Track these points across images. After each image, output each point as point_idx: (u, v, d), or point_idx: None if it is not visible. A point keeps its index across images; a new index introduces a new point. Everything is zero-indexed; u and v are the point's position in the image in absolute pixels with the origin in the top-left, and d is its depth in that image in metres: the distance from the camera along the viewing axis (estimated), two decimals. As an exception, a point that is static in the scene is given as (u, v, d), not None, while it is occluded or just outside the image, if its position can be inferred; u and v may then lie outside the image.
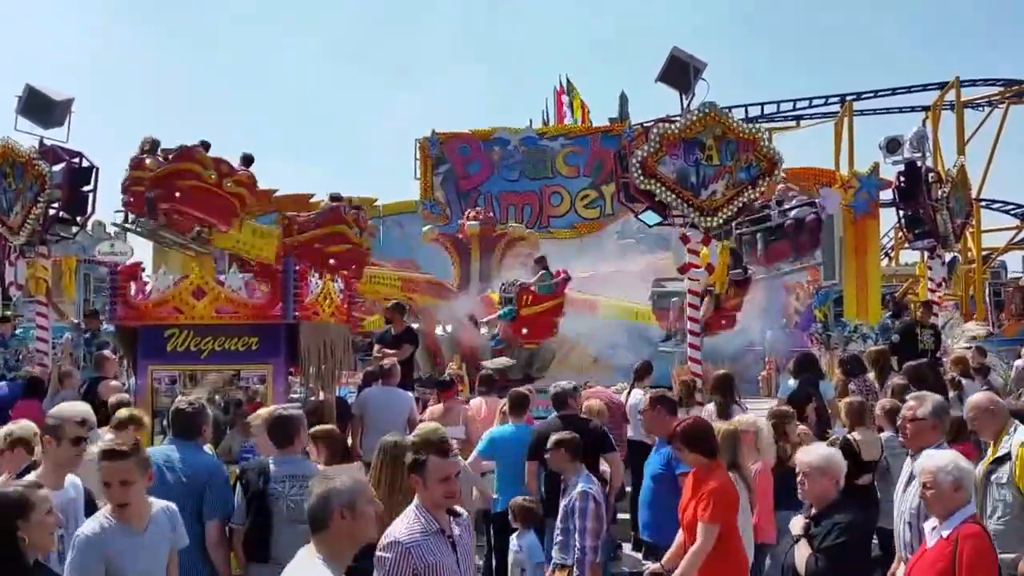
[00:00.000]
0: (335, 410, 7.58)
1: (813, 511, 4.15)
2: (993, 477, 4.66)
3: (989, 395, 5.24)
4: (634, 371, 9.43)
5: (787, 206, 14.03)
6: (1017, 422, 5.00)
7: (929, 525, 3.87)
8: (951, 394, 8.48)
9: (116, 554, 3.73)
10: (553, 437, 5.78)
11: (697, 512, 4.56)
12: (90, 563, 3.69)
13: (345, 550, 2.95)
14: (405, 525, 3.61)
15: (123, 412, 6.04)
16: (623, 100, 25.28)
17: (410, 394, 8.49)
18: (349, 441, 8.07)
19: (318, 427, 5.71)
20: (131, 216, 11.42)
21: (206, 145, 11.36)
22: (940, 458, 3.84)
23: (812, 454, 4.21)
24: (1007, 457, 4.64)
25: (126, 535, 3.79)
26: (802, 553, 4.02)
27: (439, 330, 13.39)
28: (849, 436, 6.56)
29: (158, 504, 4.02)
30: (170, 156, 11.01)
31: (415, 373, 10.87)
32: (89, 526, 3.81)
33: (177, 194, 10.83)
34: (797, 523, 4.20)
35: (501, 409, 7.37)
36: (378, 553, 3.52)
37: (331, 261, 11.18)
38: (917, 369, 8.01)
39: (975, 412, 4.96)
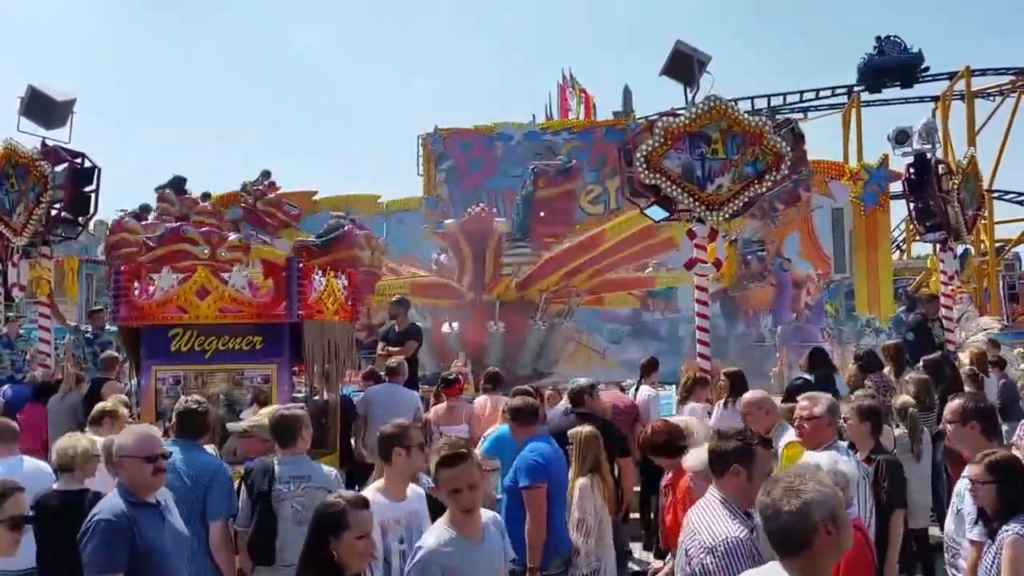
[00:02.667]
0: (339, 409, 7.54)
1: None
2: None
3: (763, 393, 5.50)
4: (641, 367, 9.35)
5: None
6: (785, 422, 5.24)
7: None
8: (968, 389, 8.36)
9: (457, 567, 3.46)
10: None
11: (677, 515, 4.46)
12: None
13: (825, 568, 2.47)
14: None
15: (98, 407, 6.05)
16: (627, 94, 25.14)
17: (415, 392, 8.43)
18: (352, 440, 8.03)
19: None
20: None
21: (181, 180, 11.47)
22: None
23: (694, 458, 4.16)
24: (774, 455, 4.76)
25: (466, 545, 3.54)
26: None
27: (445, 327, 13.32)
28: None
29: (487, 514, 3.81)
30: (157, 239, 11.13)
31: (420, 370, 10.81)
32: (429, 538, 3.55)
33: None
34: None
35: (504, 408, 7.25)
36: None
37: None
38: (935, 363, 7.89)
39: (747, 408, 5.28)
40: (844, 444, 4.72)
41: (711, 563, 3.11)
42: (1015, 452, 6.17)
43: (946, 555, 4.39)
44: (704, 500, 3.45)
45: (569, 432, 5.56)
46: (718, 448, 3.48)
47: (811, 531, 2.39)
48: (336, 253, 11.70)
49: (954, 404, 4.58)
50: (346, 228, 11.95)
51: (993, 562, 3.50)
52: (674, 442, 4.78)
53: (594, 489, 5.27)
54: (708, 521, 3.27)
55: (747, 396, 5.55)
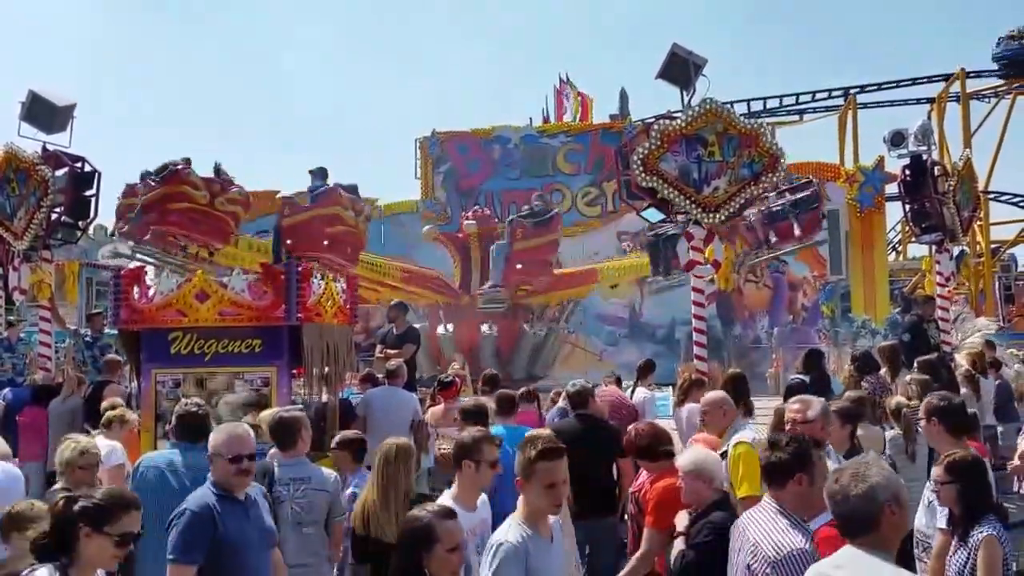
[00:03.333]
0: (339, 412, 7.58)
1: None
2: None
3: (722, 394, 5.61)
4: (637, 369, 9.40)
5: (783, 187, 14.11)
6: (743, 420, 5.40)
7: None
8: (964, 390, 8.42)
9: (534, 566, 3.36)
10: None
11: (659, 519, 4.50)
12: (516, 574, 3.34)
13: (893, 545, 2.70)
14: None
15: (107, 412, 6.07)
16: (623, 97, 25.21)
17: (414, 395, 8.46)
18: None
19: None
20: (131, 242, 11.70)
21: (187, 162, 11.49)
22: None
23: (685, 459, 4.20)
24: (726, 454, 4.89)
25: (541, 544, 3.46)
26: (676, 549, 4.09)
27: (440, 329, 13.38)
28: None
29: (551, 516, 3.71)
30: (160, 179, 11.09)
31: (417, 373, 10.85)
32: (510, 534, 3.41)
33: (170, 217, 10.92)
34: (680, 519, 4.22)
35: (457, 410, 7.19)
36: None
37: (325, 242, 11.18)
38: (930, 364, 7.94)
39: (706, 407, 5.43)
40: (830, 446, 4.73)
41: None
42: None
43: (916, 549, 4.44)
44: (759, 510, 3.42)
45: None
46: (778, 459, 3.41)
47: (878, 512, 2.61)
48: (319, 209, 11.65)
49: (923, 403, 4.69)
50: (332, 185, 11.95)
51: (967, 563, 3.56)
52: (657, 446, 4.79)
53: None
54: (768, 532, 3.25)
55: (707, 396, 5.65)
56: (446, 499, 3.93)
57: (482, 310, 12.24)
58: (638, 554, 4.53)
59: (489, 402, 7.04)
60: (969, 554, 3.54)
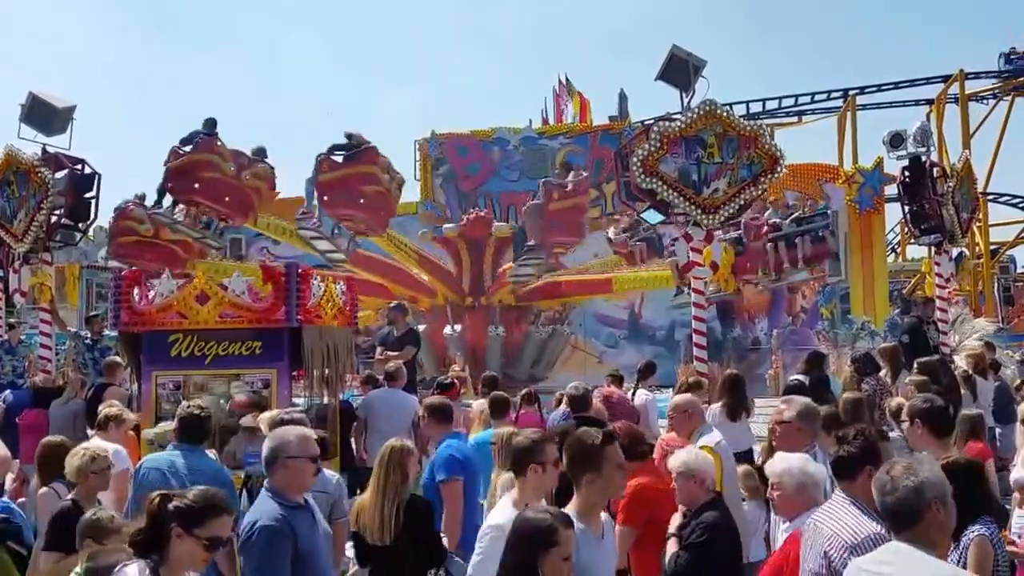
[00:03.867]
0: (339, 414, 7.58)
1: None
2: None
3: (688, 397, 5.71)
4: (638, 371, 9.40)
5: (796, 214, 14.28)
6: (708, 424, 5.46)
7: (783, 527, 3.95)
8: (964, 391, 8.42)
9: (583, 561, 3.27)
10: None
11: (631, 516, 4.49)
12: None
13: (936, 544, 2.70)
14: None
15: (102, 412, 6.06)
16: (622, 98, 25.21)
17: (414, 397, 8.46)
18: (353, 443, 8.07)
19: None
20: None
21: (212, 122, 11.43)
22: (788, 461, 3.94)
23: (677, 460, 4.22)
24: None
25: (591, 540, 3.39)
26: (669, 550, 4.09)
27: (447, 329, 13.35)
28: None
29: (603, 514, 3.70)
30: (192, 146, 11.01)
31: (418, 374, 10.86)
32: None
33: (196, 185, 10.83)
34: (673, 520, 4.22)
35: (481, 413, 7.19)
36: None
37: (361, 200, 11.08)
38: (931, 366, 7.95)
39: (672, 411, 5.48)
40: (817, 448, 4.68)
41: None
42: None
43: None
44: (832, 504, 3.44)
45: (493, 433, 5.67)
46: (846, 453, 3.46)
47: (923, 507, 2.63)
48: (357, 167, 11.42)
49: (907, 405, 4.73)
50: (371, 144, 11.75)
51: (958, 563, 3.59)
52: (635, 446, 4.74)
53: None
54: (844, 521, 3.29)
55: (673, 400, 5.75)
56: (505, 507, 3.73)
57: (513, 280, 12.07)
58: None
59: (483, 404, 7.06)
60: (960, 554, 3.56)
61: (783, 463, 3.95)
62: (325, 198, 11.53)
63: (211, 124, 11.91)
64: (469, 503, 5.20)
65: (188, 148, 11.27)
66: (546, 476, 3.77)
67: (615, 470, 3.45)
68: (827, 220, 14.21)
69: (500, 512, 3.64)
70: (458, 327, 13.02)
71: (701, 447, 4.97)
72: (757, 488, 5.69)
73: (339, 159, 11.55)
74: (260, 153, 11.84)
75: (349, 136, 11.66)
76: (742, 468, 5.59)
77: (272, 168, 11.87)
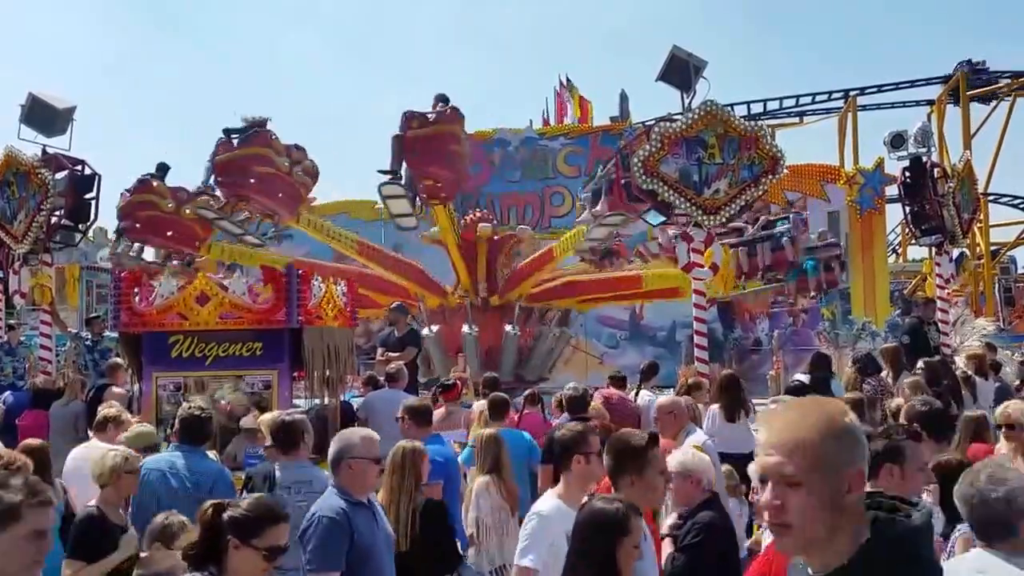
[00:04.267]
0: (340, 415, 7.57)
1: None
2: None
3: (672, 399, 5.84)
4: (640, 371, 9.38)
5: (764, 218, 14.36)
6: (693, 425, 5.63)
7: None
8: (964, 392, 8.41)
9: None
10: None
11: None
12: None
13: None
14: None
15: (100, 413, 6.04)
16: (623, 99, 25.16)
17: (414, 398, 8.42)
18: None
19: None
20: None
21: (164, 168, 11.36)
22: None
23: (674, 460, 4.22)
24: None
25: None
26: (665, 551, 4.09)
27: (465, 328, 13.24)
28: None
29: None
30: (244, 138, 10.68)
31: (423, 375, 10.83)
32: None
33: (252, 180, 10.66)
34: (670, 520, 4.24)
35: (481, 414, 7.14)
36: None
37: (251, 180, 10.76)
38: (931, 366, 7.94)
39: (657, 413, 5.64)
40: None
41: None
42: None
43: None
44: None
45: (474, 435, 5.82)
46: (870, 451, 3.48)
47: (1017, 517, 2.55)
48: (248, 149, 11.03)
49: (904, 408, 4.87)
50: (266, 128, 11.40)
51: (946, 560, 3.62)
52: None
53: (490, 489, 5.49)
54: None
55: (659, 401, 5.90)
56: (550, 499, 3.73)
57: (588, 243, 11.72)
58: None
59: (483, 405, 7.05)
60: (948, 554, 3.60)
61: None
62: (220, 179, 11.16)
63: (163, 169, 11.85)
64: (449, 506, 5.18)
65: (237, 139, 10.88)
66: (591, 467, 3.75)
67: (657, 476, 3.46)
68: (788, 227, 14.20)
69: (544, 502, 3.71)
70: (476, 327, 12.90)
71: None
72: (736, 487, 5.93)
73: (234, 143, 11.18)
74: (301, 150, 11.61)
75: (245, 120, 11.37)
76: (724, 468, 5.65)
77: (316, 165, 11.67)
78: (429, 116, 10.99)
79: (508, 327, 12.50)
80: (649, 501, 3.51)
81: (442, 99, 11.23)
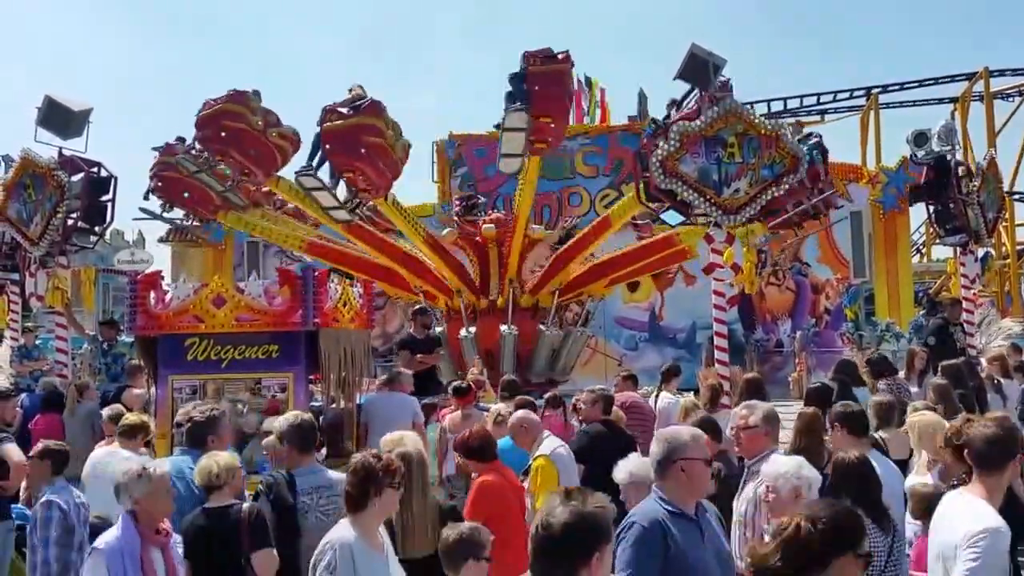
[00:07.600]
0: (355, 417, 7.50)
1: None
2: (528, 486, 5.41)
3: (522, 413, 6.05)
4: (661, 373, 9.25)
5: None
6: (546, 435, 5.81)
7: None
8: (990, 394, 8.24)
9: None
10: None
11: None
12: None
13: None
14: None
15: (124, 420, 6.01)
16: (642, 98, 24.97)
17: (414, 399, 8.26)
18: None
19: None
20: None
21: (257, 94, 11.39)
22: (783, 464, 4.02)
23: (622, 471, 4.24)
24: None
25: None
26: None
27: (462, 332, 13.17)
28: (876, 435, 6.40)
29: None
30: (352, 106, 10.86)
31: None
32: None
33: (223, 134, 10.77)
34: None
35: (495, 416, 7.05)
36: None
37: (363, 150, 10.88)
38: (955, 369, 7.78)
39: (510, 430, 5.89)
40: (780, 452, 4.61)
41: None
42: None
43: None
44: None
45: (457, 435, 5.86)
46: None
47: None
48: (362, 118, 11.13)
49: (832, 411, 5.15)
50: (374, 99, 11.49)
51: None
52: (488, 448, 5.13)
53: None
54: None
55: (512, 416, 6.08)
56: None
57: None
58: None
59: (507, 408, 6.93)
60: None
61: (777, 467, 3.98)
62: (328, 147, 11.23)
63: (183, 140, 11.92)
64: None
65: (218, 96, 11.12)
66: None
67: (706, 462, 3.49)
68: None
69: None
70: (473, 329, 12.82)
71: (537, 456, 5.52)
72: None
73: (344, 111, 11.22)
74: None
75: (350, 91, 11.39)
76: None
77: (297, 132, 11.73)
78: (344, 110, 10.98)
79: (541, 326, 12.39)
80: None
81: (359, 90, 11.24)
